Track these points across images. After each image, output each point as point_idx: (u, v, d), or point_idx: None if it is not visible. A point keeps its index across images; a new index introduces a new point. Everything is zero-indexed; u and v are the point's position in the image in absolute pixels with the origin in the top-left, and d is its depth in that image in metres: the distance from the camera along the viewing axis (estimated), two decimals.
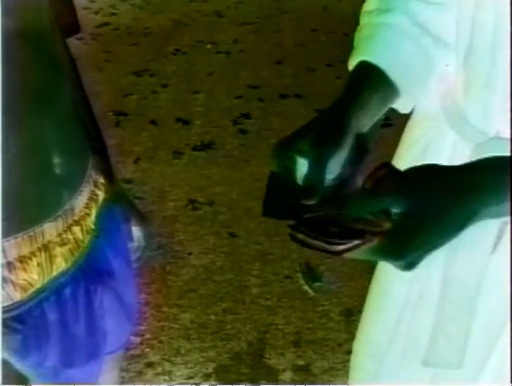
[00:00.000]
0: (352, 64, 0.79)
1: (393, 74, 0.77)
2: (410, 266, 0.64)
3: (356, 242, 0.62)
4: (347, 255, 0.63)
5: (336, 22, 4.75)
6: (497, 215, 0.64)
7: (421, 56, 0.80)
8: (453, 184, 0.62)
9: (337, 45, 4.25)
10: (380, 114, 0.77)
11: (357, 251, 0.62)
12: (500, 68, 0.73)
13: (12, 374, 0.90)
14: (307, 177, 0.67)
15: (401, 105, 0.82)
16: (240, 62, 4.32)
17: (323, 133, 0.69)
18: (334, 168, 0.69)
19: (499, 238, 0.79)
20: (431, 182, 0.63)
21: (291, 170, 0.70)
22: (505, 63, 0.72)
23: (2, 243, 0.83)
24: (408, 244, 0.61)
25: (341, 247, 0.62)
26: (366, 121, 0.74)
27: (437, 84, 0.86)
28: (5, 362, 0.89)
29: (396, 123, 0.71)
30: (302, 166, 0.69)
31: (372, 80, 0.76)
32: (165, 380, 1.94)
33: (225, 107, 3.68)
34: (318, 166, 0.67)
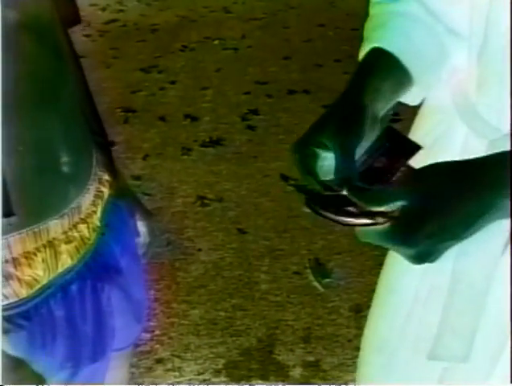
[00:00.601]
0: (362, 54, 0.79)
1: (406, 60, 0.76)
2: (420, 258, 0.63)
3: (366, 220, 0.62)
4: (361, 237, 0.63)
5: (344, 17, 4.73)
6: None
7: (434, 43, 0.80)
8: (468, 176, 0.62)
9: (345, 40, 4.24)
10: (394, 101, 0.77)
11: (368, 232, 0.62)
12: None
13: (29, 374, 0.90)
14: (338, 167, 0.66)
15: (412, 95, 0.81)
16: (247, 58, 4.32)
17: (343, 119, 0.68)
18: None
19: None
20: (446, 176, 0.62)
21: (313, 167, 0.69)
22: None
23: (3, 241, 0.83)
24: (420, 230, 0.60)
25: (352, 219, 0.62)
26: (381, 105, 0.73)
27: (448, 77, 0.85)
28: (21, 362, 0.89)
29: (405, 118, 0.71)
30: (324, 160, 0.69)
31: (384, 64, 0.76)
32: (175, 376, 1.94)
33: (233, 103, 3.68)
34: (346, 153, 0.66)
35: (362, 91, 0.72)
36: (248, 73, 4.06)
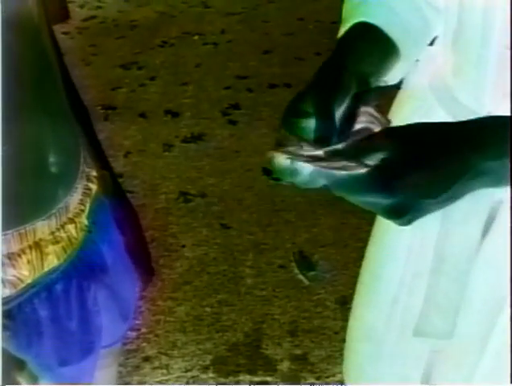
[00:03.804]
0: (343, 30, 0.76)
1: (392, 32, 0.75)
2: (397, 211, 0.59)
3: (342, 162, 0.59)
4: (335, 188, 0.60)
5: (324, 10, 4.73)
6: (496, 180, 0.61)
7: (418, 16, 0.80)
8: (449, 134, 0.61)
9: (325, 33, 4.23)
10: (383, 69, 0.75)
11: (343, 181, 0.59)
12: (491, 50, 0.73)
13: (8, 357, 0.89)
14: (316, 127, 0.63)
15: (395, 70, 0.79)
16: (228, 52, 4.31)
17: (321, 81, 0.66)
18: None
19: (492, 217, 0.79)
20: (425, 132, 0.61)
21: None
22: (496, 44, 0.72)
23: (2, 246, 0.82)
24: (399, 178, 0.57)
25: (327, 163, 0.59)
26: (369, 68, 0.71)
27: (425, 63, 0.85)
28: (21, 362, 0.88)
29: (381, 104, 0.70)
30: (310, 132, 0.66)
31: (370, 35, 0.74)
32: (162, 374, 1.94)
33: (213, 98, 3.67)
34: (324, 114, 0.63)
35: (346, 55, 0.70)
36: (228, 68, 4.05)
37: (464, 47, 0.77)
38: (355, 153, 0.59)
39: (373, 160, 0.59)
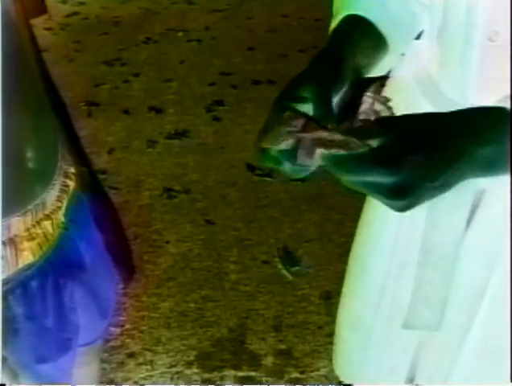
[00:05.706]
0: (336, 22, 0.77)
1: (382, 26, 0.76)
2: (399, 191, 0.59)
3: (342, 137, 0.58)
4: (336, 164, 0.59)
5: (308, 7, 4.73)
6: (488, 167, 0.62)
7: (407, 12, 0.81)
8: (440, 121, 0.62)
9: (309, 30, 4.24)
10: (374, 61, 0.76)
11: (345, 158, 0.58)
12: (474, 45, 0.75)
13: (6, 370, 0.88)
14: (315, 116, 0.63)
15: (382, 64, 0.81)
16: (212, 49, 4.30)
17: (320, 68, 0.67)
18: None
19: (475, 206, 0.81)
20: (419, 120, 0.62)
21: None
22: (479, 39, 0.74)
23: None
24: (400, 156, 0.58)
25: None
26: (362, 60, 0.72)
27: (411, 57, 0.87)
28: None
29: None
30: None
31: (361, 28, 0.75)
32: (147, 370, 1.94)
33: (197, 94, 3.66)
34: (324, 102, 0.64)
35: (342, 46, 0.71)
36: (212, 64, 4.04)
37: (449, 42, 0.79)
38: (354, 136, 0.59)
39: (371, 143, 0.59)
